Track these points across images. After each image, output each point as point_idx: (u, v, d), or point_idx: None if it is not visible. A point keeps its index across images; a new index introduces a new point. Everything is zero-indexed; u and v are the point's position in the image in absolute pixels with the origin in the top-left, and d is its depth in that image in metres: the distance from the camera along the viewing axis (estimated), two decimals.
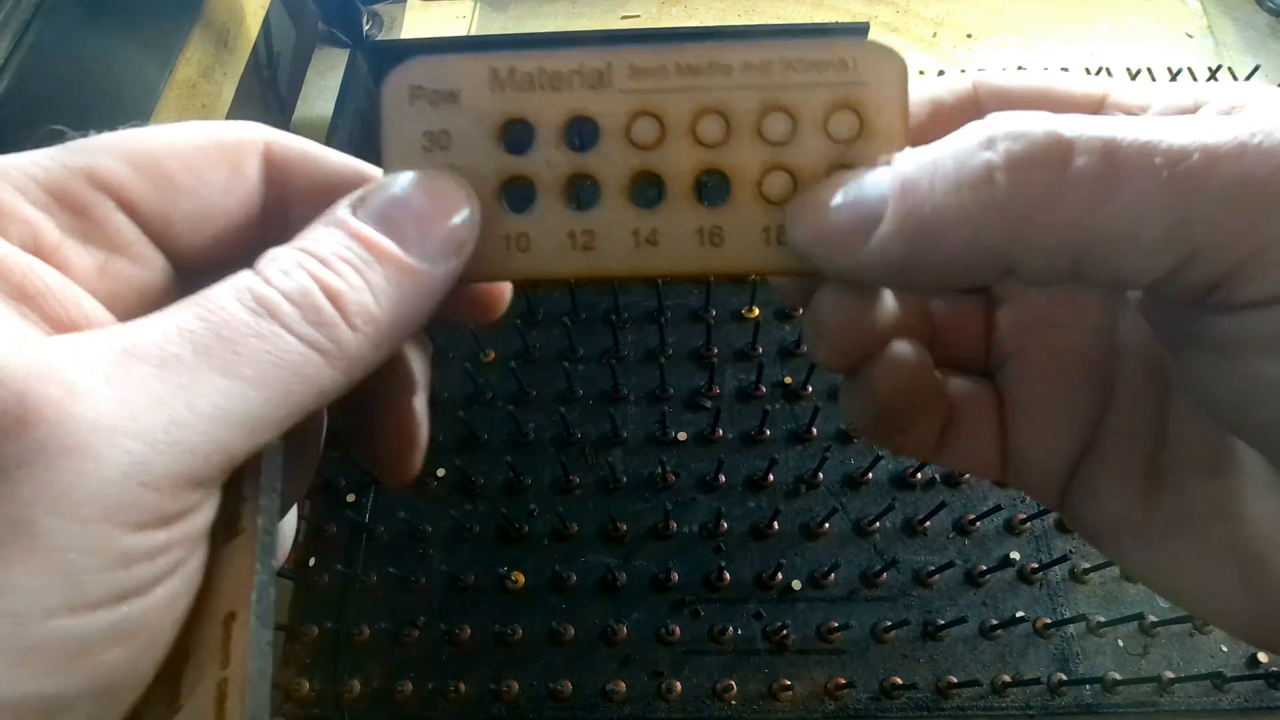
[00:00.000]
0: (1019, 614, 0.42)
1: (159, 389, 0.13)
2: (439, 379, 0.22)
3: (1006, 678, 0.41)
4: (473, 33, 0.70)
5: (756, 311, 0.52)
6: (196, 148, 0.17)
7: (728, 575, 0.44)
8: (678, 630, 0.42)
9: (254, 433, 0.14)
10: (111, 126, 0.17)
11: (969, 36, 0.69)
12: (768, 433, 0.48)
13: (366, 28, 0.67)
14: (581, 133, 0.17)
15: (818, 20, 0.68)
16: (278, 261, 0.15)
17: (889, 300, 0.18)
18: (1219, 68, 0.62)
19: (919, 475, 0.46)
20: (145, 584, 0.13)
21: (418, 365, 0.20)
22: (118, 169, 0.16)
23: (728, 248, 0.17)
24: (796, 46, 0.17)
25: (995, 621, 0.42)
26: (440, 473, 0.47)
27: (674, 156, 0.17)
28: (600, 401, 0.49)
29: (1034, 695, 0.41)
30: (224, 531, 0.15)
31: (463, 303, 0.19)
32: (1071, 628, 0.42)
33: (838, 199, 0.16)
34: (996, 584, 0.43)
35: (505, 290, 0.20)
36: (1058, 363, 0.20)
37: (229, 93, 0.58)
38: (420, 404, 0.20)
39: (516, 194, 0.18)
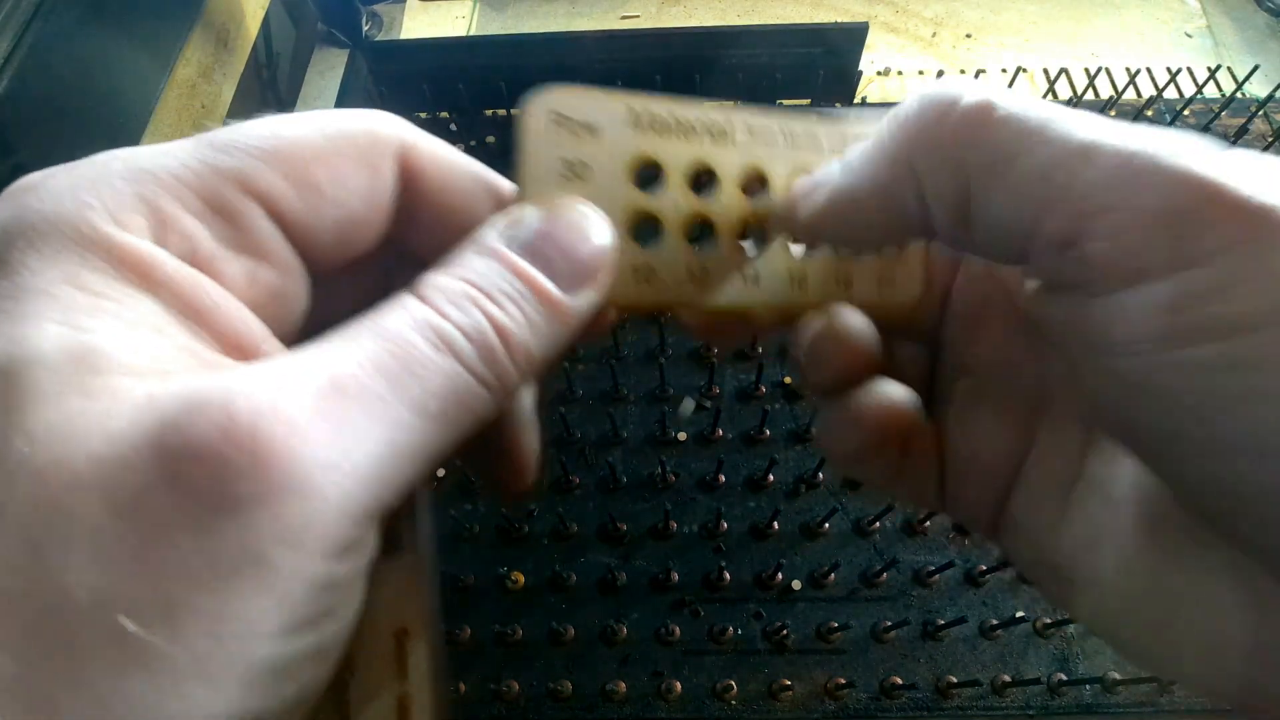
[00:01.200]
0: (1019, 614, 0.42)
1: (364, 426, 0.14)
2: None
3: (1006, 678, 0.41)
4: (472, 33, 0.70)
5: None
6: (340, 153, 0.17)
7: (728, 575, 0.43)
8: (678, 630, 0.42)
9: (430, 463, 0.15)
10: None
11: (968, 36, 0.69)
12: (768, 433, 0.48)
13: (366, 28, 0.67)
14: (700, 178, 0.19)
15: (817, 20, 0.68)
16: (445, 292, 0.15)
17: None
18: (1218, 67, 0.62)
19: None
20: (338, 607, 0.14)
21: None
22: (269, 176, 0.16)
23: (810, 288, 0.20)
24: (864, 122, 0.19)
25: (995, 621, 0.42)
26: (440, 473, 0.47)
27: (774, 207, 0.20)
28: (600, 401, 0.49)
29: (1034, 695, 0.41)
30: (381, 549, 0.16)
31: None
32: (1071, 628, 0.42)
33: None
34: (996, 584, 0.43)
35: (611, 315, 0.21)
36: (990, 408, 0.20)
37: (228, 93, 0.58)
38: (531, 412, 0.21)
39: (642, 228, 0.19)
